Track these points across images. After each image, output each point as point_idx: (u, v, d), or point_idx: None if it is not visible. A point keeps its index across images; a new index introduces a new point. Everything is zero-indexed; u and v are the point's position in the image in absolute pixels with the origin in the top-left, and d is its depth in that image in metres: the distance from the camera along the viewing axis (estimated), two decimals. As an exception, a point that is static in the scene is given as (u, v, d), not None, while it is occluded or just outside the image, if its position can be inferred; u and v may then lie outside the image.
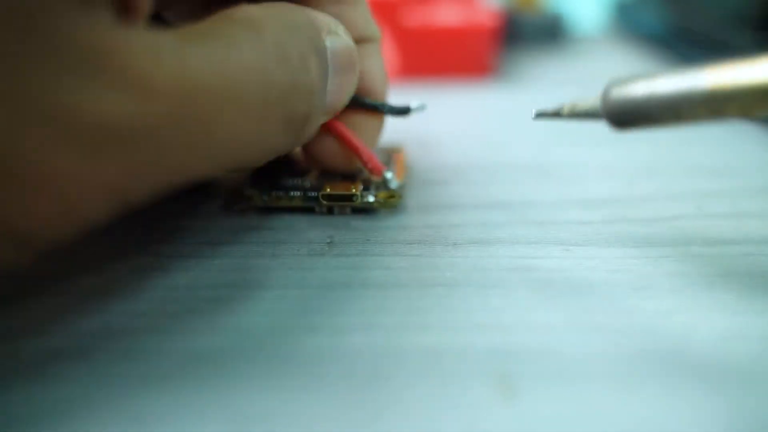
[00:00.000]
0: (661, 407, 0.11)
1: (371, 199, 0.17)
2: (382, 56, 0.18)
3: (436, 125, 0.19)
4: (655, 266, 0.15)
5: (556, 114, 0.16)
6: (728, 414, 0.11)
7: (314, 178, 0.18)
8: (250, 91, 0.12)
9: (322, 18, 0.15)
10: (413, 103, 0.18)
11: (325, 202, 0.17)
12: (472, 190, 0.20)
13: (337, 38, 0.15)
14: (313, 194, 0.17)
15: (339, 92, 0.15)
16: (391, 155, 0.20)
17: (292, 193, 0.18)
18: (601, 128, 0.15)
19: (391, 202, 0.18)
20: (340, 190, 0.17)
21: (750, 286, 0.14)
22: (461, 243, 0.16)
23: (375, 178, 0.18)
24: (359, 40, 0.16)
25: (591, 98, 0.15)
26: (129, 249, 0.16)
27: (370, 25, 0.17)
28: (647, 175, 0.21)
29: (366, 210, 0.18)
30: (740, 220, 0.17)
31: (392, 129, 0.20)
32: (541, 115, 0.16)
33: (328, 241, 0.16)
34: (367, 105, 0.17)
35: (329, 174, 0.19)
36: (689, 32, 0.36)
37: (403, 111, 0.18)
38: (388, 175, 0.18)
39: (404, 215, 0.18)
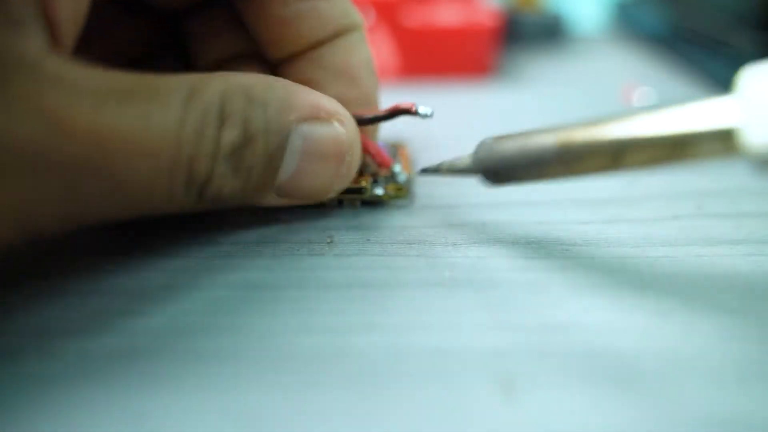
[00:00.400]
0: (661, 407, 0.11)
1: (380, 192, 0.18)
2: (368, 45, 0.17)
3: (435, 125, 0.19)
4: (655, 266, 0.15)
5: (436, 170, 0.17)
6: (727, 414, 0.10)
7: None
8: (163, 152, 0.12)
9: (311, 101, 0.14)
10: (423, 108, 0.17)
11: (334, 196, 0.17)
12: (472, 189, 0.20)
13: (321, 126, 0.14)
14: None
15: (306, 177, 0.15)
16: (396, 150, 0.21)
17: None
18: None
19: (400, 194, 0.18)
20: (350, 184, 0.17)
21: (750, 286, 0.14)
22: (461, 243, 0.16)
23: (383, 172, 0.18)
24: (339, 32, 0.16)
25: (466, 157, 0.16)
26: (126, 249, 0.16)
27: (350, 14, 0.17)
28: (647, 175, 0.21)
29: (375, 203, 0.18)
30: (740, 220, 0.17)
31: (392, 128, 0.20)
32: (425, 171, 0.17)
33: (328, 241, 0.16)
34: (370, 120, 0.17)
35: None
36: (689, 32, 0.36)
37: (407, 112, 0.17)
38: (397, 168, 0.18)
39: (404, 215, 0.18)
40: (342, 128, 0.15)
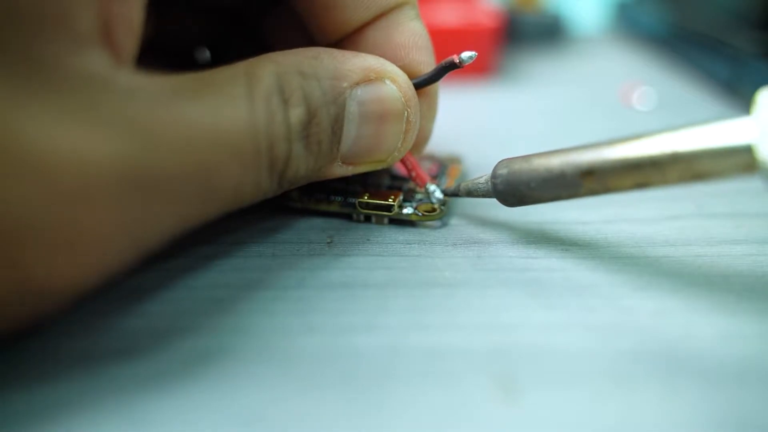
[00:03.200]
0: (661, 407, 0.11)
1: (409, 211, 0.17)
2: (418, 20, 0.17)
3: (436, 125, 0.19)
4: (655, 266, 0.15)
5: (455, 194, 0.17)
6: (727, 413, 0.11)
7: (359, 184, 0.18)
8: (241, 138, 0.12)
9: (359, 65, 0.14)
10: (466, 54, 0.16)
11: (361, 210, 0.17)
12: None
13: (373, 87, 0.14)
14: (352, 200, 0.17)
15: (368, 140, 0.15)
16: (447, 167, 0.20)
17: (332, 198, 0.17)
18: (601, 128, 0.15)
19: (431, 216, 0.17)
20: (378, 199, 0.17)
21: (750, 286, 0.14)
22: (461, 243, 0.16)
23: (419, 189, 0.18)
24: (387, 10, 0.16)
25: (483, 180, 0.16)
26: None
27: None
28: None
29: (405, 222, 0.17)
30: (740, 220, 0.17)
31: (446, 143, 0.20)
32: (445, 193, 0.17)
33: (328, 241, 0.16)
34: (416, 84, 0.16)
35: (376, 182, 0.18)
36: (689, 32, 0.36)
37: (452, 66, 0.16)
38: (431, 188, 0.17)
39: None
40: (394, 85, 0.15)
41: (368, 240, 0.16)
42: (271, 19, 0.19)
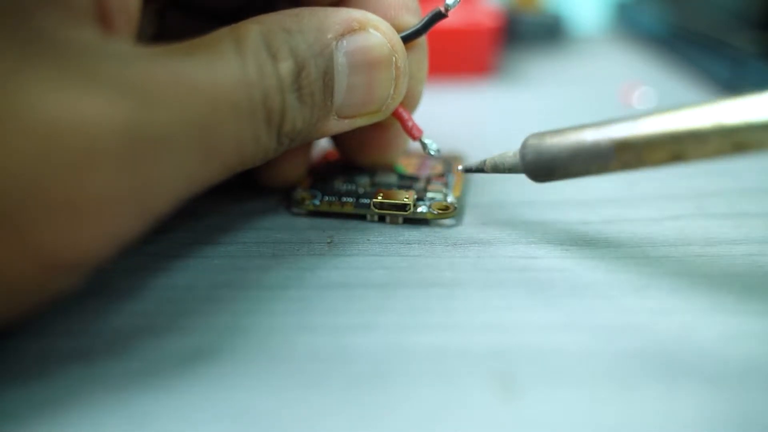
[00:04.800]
0: (661, 407, 0.11)
1: (424, 210, 0.17)
2: None
3: (436, 124, 0.19)
4: (655, 266, 0.15)
5: (480, 169, 0.17)
6: (728, 413, 0.11)
7: (368, 185, 0.18)
8: (235, 92, 0.12)
9: (341, 16, 0.15)
10: (448, 1, 0.16)
11: (376, 210, 0.17)
12: (472, 189, 0.20)
13: (357, 36, 0.15)
14: (365, 201, 0.17)
15: (360, 91, 0.15)
16: (450, 163, 0.20)
17: (344, 199, 0.17)
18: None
19: (446, 215, 0.17)
20: (392, 199, 0.17)
21: (750, 286, 0.14)
22: (461, 243, 0.16)
23: (429, 187, 0.18)
24: None
25: (512, 154, 0.16)
26: (128, 249, 0.16)
27: None
28: (647, 175, 0.21)
29: (419, 221, 0.17)
30: (740, 220, 0.17)
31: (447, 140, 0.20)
32: (467, 169, 0.17)
33: (328, 241, 0.16)
34: (405, 37, 0.16)
35: (384, 181, 0.18)
36: (689, 32, 0.36)
37: (439, 15, 0.16)
38: (425, 140, 0.17)
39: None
40: (378, 33, 0.15)
41: (368, 240, 0.16)
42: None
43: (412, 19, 0.16)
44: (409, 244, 0.16)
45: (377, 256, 0.16)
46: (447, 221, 0.17)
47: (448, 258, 0.16)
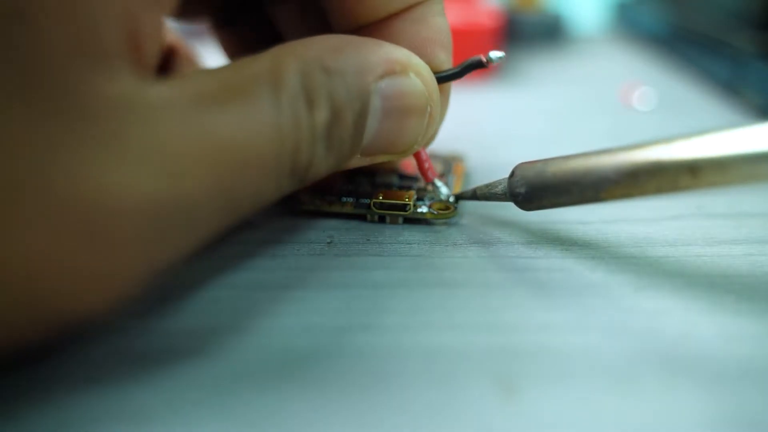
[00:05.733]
0: (661, 407, 0.11)
1: (424, 210, 0.17)
2: (443, 16, 0.16)
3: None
4: (655, 266, 0.15)
5: (472, 196, 0.17)
6: (727, 413, 0.11)
7: (368, 185, 0.18)
8: (266, 148, 0.12)
9: (384, 57, 0.14)
10: (494, 53, 0.16)
11: (376, 210, 0.17)
12: (472, 190, 0.20)
13: (397, 80, 0.14)
14: (365, 201, 0.17)
15: (389, 135, 0.14)
16: (452, 164, 0.20)
17: (344, 199, 0.17)
18: (601, 128, 0.15)
19: (446, 215, 0.17)
20: (392, 199, 0.17)
21: (750, 286, 0.14)
22: (461, 243, 0.16)
23: (429, 188, 0.18)
24: (412, 3, 0.15)
25: (501, 183, 0.16)
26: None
27: None
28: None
29: (419, 221, 0.17)
30: (740, 220, 0.17)
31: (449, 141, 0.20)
32: (460, 197, 0.17)
33: (328, 241, 0.16)
34: (440, 78, 0.16)
35: (385, 181, 0.18)
36: (689, 32, 0.36)
37: (479, 65, 0.16)
38: (438, 182, 0.17)
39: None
40: (418, 79, 0.14)
41: (368, 240, 0.16)
42: (284, 5, 0.18)
43: (446, 58, 0.16)
44: (409, 244, 0.16)
45: (377, 256, 0.16)
46: (447, 221, 0.17)
47: (448, 258, 0.16)
